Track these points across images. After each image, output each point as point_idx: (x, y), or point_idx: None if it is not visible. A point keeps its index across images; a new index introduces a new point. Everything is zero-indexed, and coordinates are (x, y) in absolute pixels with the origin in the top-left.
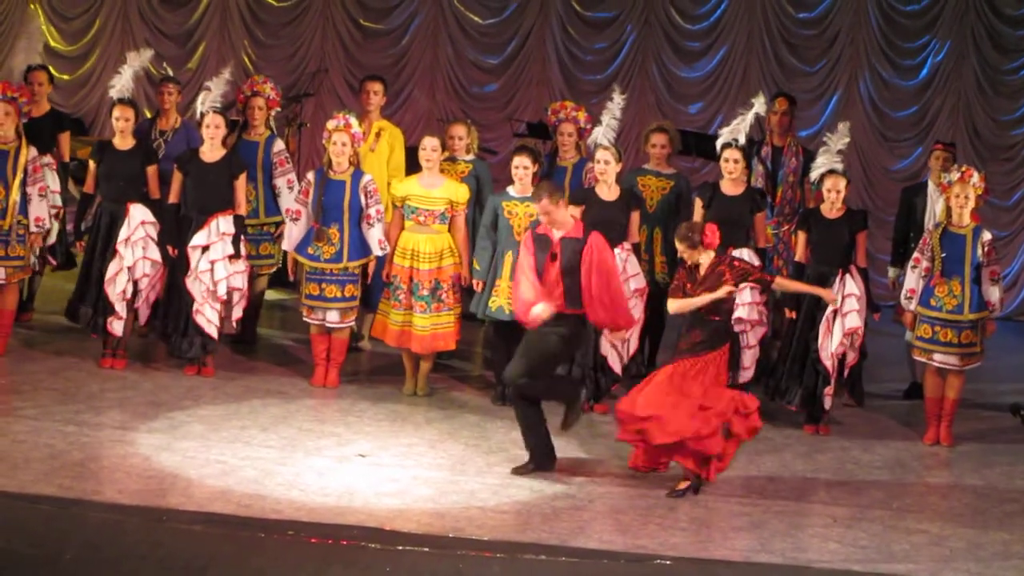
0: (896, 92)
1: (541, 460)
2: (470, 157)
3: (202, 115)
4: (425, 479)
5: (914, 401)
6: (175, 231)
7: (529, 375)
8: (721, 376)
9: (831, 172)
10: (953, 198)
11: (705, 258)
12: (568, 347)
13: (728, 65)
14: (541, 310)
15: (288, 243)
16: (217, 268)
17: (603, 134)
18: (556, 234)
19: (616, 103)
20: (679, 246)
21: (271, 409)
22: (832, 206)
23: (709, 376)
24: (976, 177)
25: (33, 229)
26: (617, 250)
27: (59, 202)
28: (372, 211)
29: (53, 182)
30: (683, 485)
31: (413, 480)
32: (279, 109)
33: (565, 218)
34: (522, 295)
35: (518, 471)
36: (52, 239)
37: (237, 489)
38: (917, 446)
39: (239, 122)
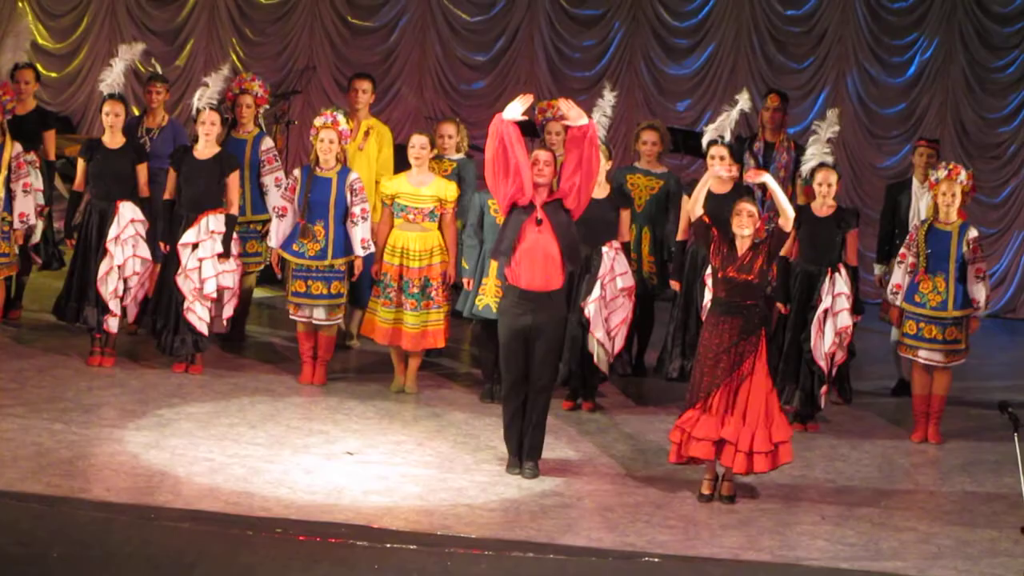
0: (884, 89)
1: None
2: (457, 156)
3: (198, 111)
4: (413, 477)
5: (902, 399)
6: (168, 227)
7: (556, 373)
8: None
9: (822, 165)
10: (940, 195)
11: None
12: (564, 330)
13: (716, 62)
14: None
15: (274, 239)
16: (205, 266)
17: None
18: (537, 198)
19: (607, 100)
20: (739, 203)
21: (259, 407)
22: (823, 201)
23: (757, 369)
24: (963, 175)
25: (16, 225)
26: (605, 248)
27: (43, 200)
28: (357, 209)
29: (36, 180)
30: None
31: (401, 478)
32: (267, 107)
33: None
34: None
35: (531, 475)
36: (36, 238)
37: (225, 487)
38: (905, 444)
39: (229, 119)
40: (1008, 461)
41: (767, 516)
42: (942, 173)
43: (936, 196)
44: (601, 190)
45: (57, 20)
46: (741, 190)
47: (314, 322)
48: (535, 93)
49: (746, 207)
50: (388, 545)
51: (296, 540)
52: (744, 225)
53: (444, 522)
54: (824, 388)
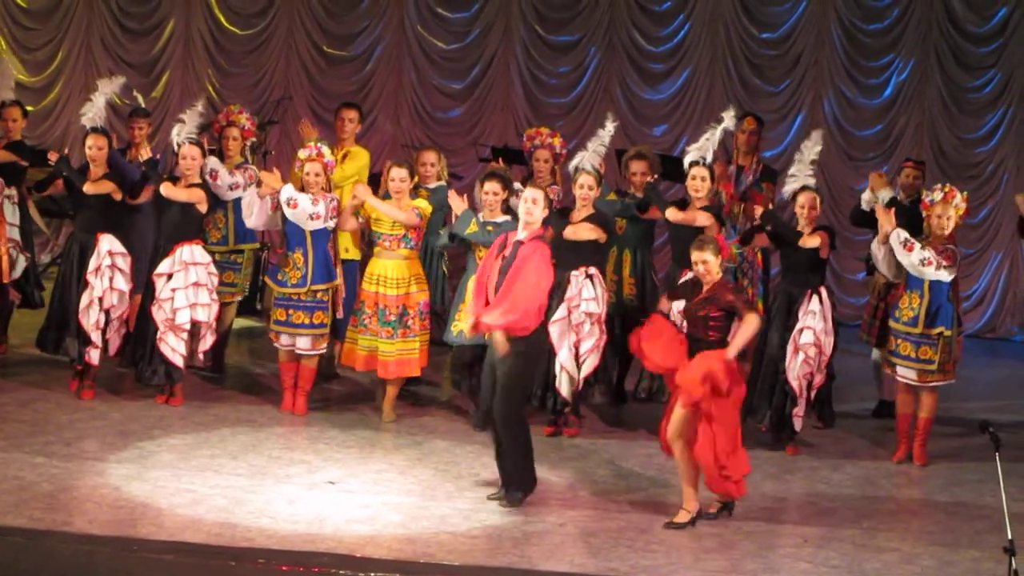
0: (860, 111)
1: (526, 488)
2: (434, 185)
3: (179, 146)
4: (395, 505)
5: (882, 420)
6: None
7: (509, 404)
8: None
9: (804, 188)
10: (935, 218)
11: (712, 270)
12: (528, 364)
13: (692, 86)
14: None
15: (248, 213)
16: (178, 296)
17: (588, 159)
18: (515, 236)
19: (608, 130)
20: (709, 257)
21: (240, 437)
22: (805, 224)
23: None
24: (959, 198)
25: None
26: (574, 272)
27: (16, 236)
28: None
29: (12, 215)
30: (683, 517)
31: (383, 506)
32: (254, 139)
33: (536, 224)
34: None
35: (509, 504)
36: (17, 274)
37: (207, 518)
38: (886, 465)
39: (215, 150)
40: (990, 480)
41: (750, 539)
42: (938, 195)
43: (930, 217)
44: (585, 213)
45: (32, 54)
46: (713, 211)
47: (296, 351)
48: (512, 119)
49: (700, 256)
50: (371, 574)
51: (279, 570)
52: (701, 274)
53: (427, 550)
54: (798, 410)
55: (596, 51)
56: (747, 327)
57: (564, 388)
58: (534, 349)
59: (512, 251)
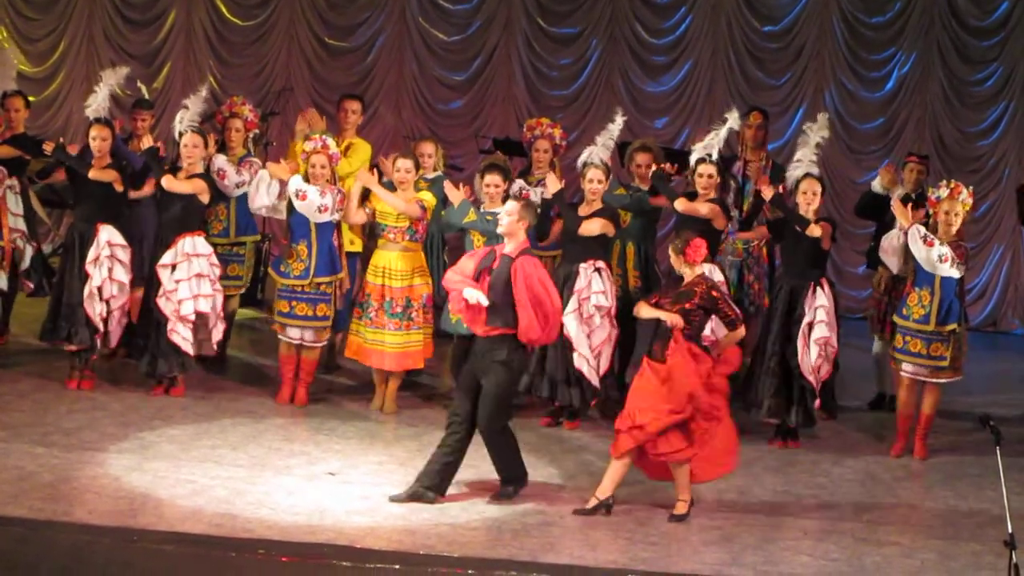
0: (862, 104)
1: (518, 482)
2: (434, 175)
3: (180, 134)
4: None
5: (881, 413)
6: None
7: (496, 416)
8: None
9: (808, 175)
10: (942, 214)
11: (688, 271)
12: (511, 373)
13: (694, 79)
14: (471, 295)
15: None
16: (181, 288)
17: (596, 153)
18: (502, 249)
19: (617, 124)
20: (670, 253)
21: (241, 428)
22: (807, 209)
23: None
24: (965, 193)
25: None
26: (583, 265)
27: (22, 225)
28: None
29: (16, 205)
30: (682, 509)
31: (383, 498)
32: (257, 131)
33: (519, 235)
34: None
35: (501, 499)
36: (26, 264)
37: (208, 508)
38: (887, 459)
39: (218, 141)
40: (990, 474)
41: (749, 532)
42: (944, 192)
43: (937, 214)
44: (592, 208)
45: (34, 44)
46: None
47: (299, 342)
48: (513, 111)
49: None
50: (371, 565)
51: (279, 561)
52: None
53: (427, 541)
54: (818, 402)
55: (598, 43)
56: (732, 337)
57: (594, 379)
58: (518, 362)
59: (502, 265)
